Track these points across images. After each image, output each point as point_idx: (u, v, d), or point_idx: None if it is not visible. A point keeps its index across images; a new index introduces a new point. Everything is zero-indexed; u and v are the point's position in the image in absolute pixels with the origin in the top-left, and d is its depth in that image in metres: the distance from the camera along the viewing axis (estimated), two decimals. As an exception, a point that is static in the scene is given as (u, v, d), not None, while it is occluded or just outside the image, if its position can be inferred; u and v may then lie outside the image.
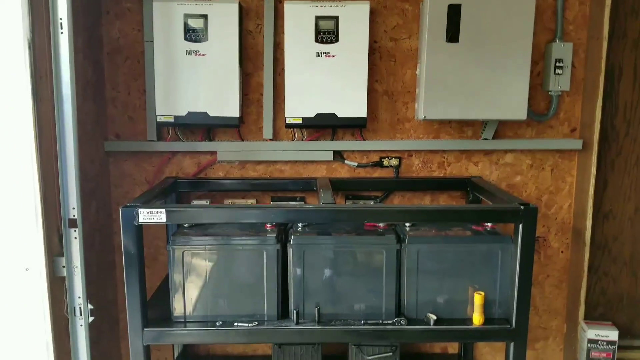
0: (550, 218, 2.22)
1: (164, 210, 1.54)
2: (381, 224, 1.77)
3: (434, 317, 1.68)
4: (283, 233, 1.74)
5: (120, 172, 2.13)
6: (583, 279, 2.18)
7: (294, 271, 1.67)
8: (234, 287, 1.67)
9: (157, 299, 1.87)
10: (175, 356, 2.22)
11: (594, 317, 2.31)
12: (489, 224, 1.78)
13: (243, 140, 2.11)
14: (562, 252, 2.25)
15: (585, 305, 2.20)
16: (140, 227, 1.57)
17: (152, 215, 1.54)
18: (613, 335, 2.13)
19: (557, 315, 2.30)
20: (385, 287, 1.68)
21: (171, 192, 2.02)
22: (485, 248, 1.68)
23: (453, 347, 2.33)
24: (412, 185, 2.13)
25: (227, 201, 2.16)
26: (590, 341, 2.14)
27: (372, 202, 2.15)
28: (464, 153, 2.15)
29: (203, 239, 1.66)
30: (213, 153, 2.11)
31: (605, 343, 2.13)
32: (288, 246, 1.66)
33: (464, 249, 1.68)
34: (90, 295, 1.79)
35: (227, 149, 2.08)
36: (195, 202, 2.14)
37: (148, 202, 1.64)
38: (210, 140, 2.11)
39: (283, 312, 1.71)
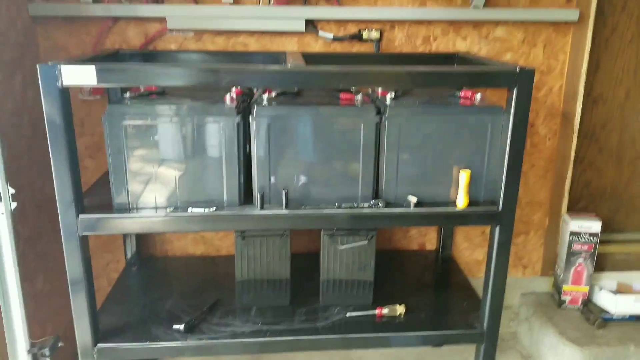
0: (540, 101, 2.03)
1: (93, 67, 1.24)
2: (359, 97, 1.53)
3: (415, 199, 1.50)
4: (246, 106, 1.49)
5: (52, 44, 1.78)
6: (569, 168, 2.04)
7: (257, 149, 1.43)
8: (186, 169, 1.43)
9: (98, 187, 1.61)
10: (128, 258, 2.01)
11: (575, 210, 2.20)
12: (478, 97, 1.57)
13: (197, 4, 1.78)
14: (549, 139, 2.09)
15: (568, 198, 2.09)
16: (66, 92, 1.28)
17: (79, 75, 1.24)
18: (596, 226, 2.02)
19: (539, 208, 2.19)
20: (362, 167, 1.48)
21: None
22: (473, 120, 1.48)
23: (431, 243, 2.21)
24: (394, 62, 1.86)
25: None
26: (573, 233, 2.03)
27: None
28: (451, 25, 1.90)
29: (147, 107, 1.39)
30: (162, 20, 1.77)
31: (587, 235, 2.03)
32: (250, 119, 1.41)
33: (450, 121, 1.48)
34: (22, 188, 1.53)
35: (178, 14, 1.74)
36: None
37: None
38: (158, 2, 1.77)
39: (246, 198, 1.49)
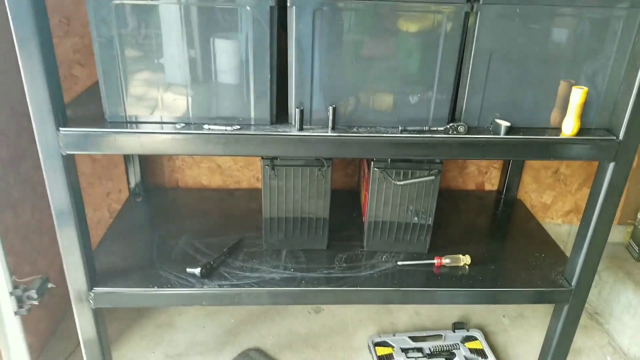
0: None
1: None
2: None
3: (506, 124, 1.12)
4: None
5: None
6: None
7: (297, 49, 1.04)
8: (201, 73, 1.06)
9: (89, 97, 1.25)
10: (131, 187, 1.68)
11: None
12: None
13: None
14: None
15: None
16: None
17: None
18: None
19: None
20: (439, 75, 1.09)
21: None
22: (599, 15, 1.06)
23: (491, 183, 1.84)
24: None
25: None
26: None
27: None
28: None
29: (145, -19, 1.00)
30: None
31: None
32: (288, 4, 1.01)
33: (567, 15, 1.06)
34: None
35: None
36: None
37: None
38: None
39: (279, 116, 1.13)
